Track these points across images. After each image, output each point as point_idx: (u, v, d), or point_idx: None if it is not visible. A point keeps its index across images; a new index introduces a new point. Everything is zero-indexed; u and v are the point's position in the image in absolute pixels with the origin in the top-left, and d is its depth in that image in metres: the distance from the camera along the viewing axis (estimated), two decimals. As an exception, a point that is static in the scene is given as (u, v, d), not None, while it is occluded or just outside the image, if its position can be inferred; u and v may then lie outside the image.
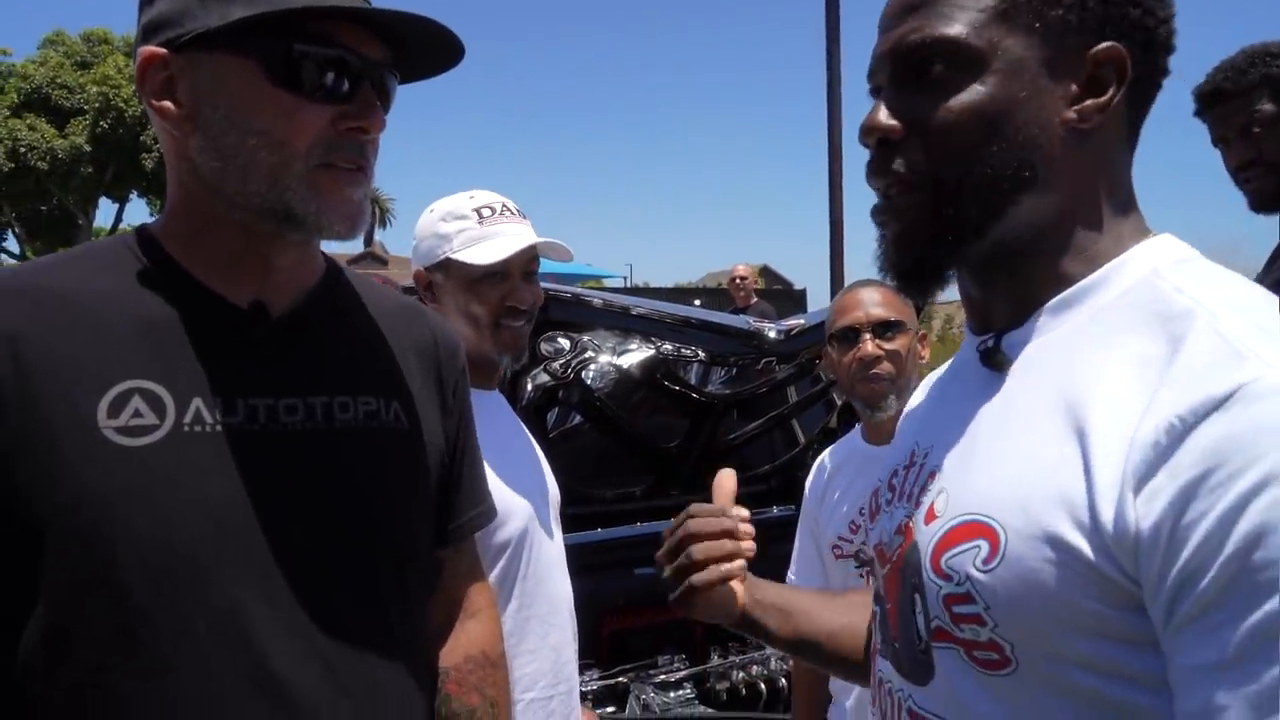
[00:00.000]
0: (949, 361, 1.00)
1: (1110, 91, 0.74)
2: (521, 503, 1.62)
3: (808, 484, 2.08)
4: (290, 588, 0.88)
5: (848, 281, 2.35)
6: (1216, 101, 2.06)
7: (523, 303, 1.63)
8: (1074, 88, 0.75)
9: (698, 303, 8.52)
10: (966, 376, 0.84)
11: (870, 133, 0.77)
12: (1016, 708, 0.69)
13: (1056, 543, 0.66)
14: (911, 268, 0.79)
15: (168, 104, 0.89)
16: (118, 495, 0.83)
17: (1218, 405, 0.60)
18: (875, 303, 1.90)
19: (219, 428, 0.87)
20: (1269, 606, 0.58)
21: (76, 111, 21.94)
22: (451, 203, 1.65)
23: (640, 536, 2.98)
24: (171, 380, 0.87)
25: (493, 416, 1.68)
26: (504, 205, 1.65)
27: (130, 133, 21.58)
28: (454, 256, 1.59)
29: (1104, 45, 0.74)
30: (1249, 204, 2.09)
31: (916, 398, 1.04)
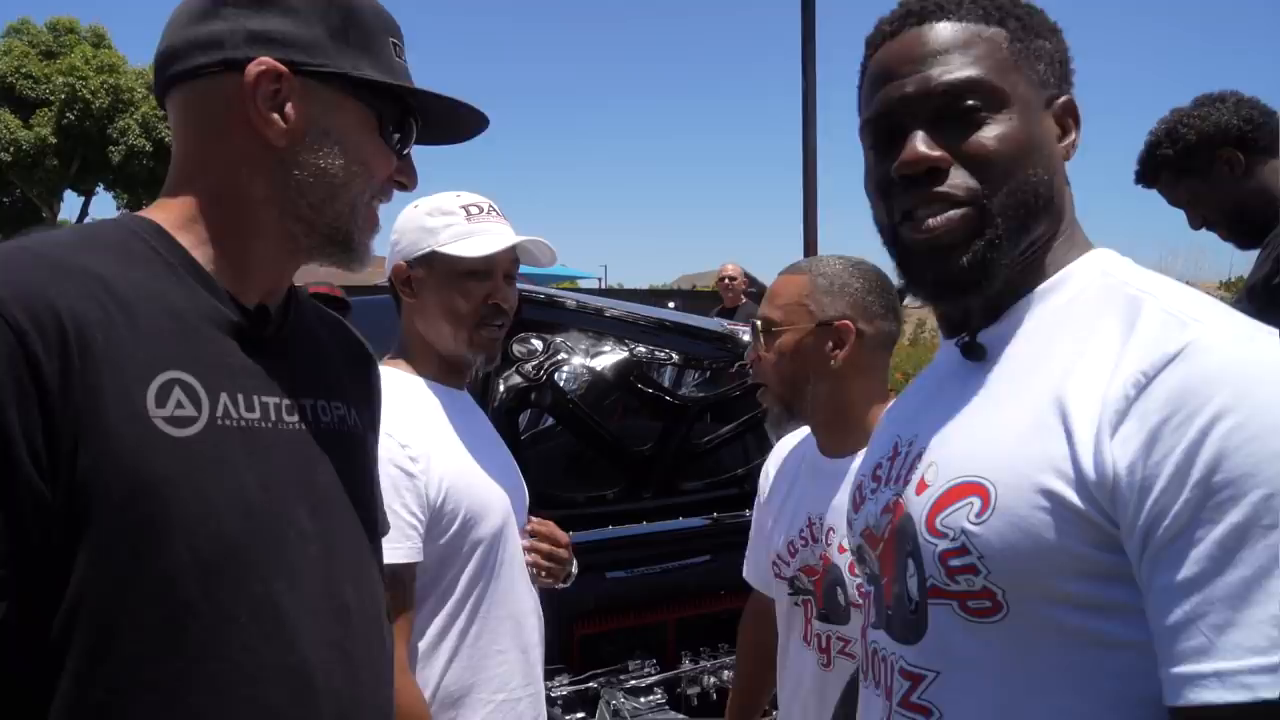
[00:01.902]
0: (925, 369, 1.08)
1: (1074, 134, 0.91)
2: (498, 501, 1.62)
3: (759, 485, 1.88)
4: (308, 578, 0.92)
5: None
6: (1146, 185, 2.31)
7: (506, 301, 1.63)
8: (1057, 129, 0.90)
9: (672, 305, 8.49)
10: (944, 374, 0.95)
11: (919, 163, 0.86)
12: (1004, 650, 0.79)
13: (1043, 491, 0.76)
14: (956, 275, 0.87)
15: (274, 115, 0.93)
16: (169, 485, 0.82)
17: (1171, 359, 0.73)
18: (767, 299, 1.67)
19: (243, 422, 0.90)
20: (1231, 519, 0.68)
21: (42, 102, 21.54)
22: (437, 199, 1.64)
23: (612, 540, 2.96)
24: (202, 373, 0.88)
25: (467, 414, 1.68)
26: (490, 205, 1.66)
27: (97, 125, 21.22)
28: (440, 250, 1.58)
29: (1067, 97, 0.91)
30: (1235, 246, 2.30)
31: (889, 409, 1.11)
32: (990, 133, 0.85)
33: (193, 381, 0.86)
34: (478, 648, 1.56)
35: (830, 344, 1.59)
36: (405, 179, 1.04)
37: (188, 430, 0.84)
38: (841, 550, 1.54)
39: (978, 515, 0.79)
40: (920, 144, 0.86)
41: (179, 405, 0.84)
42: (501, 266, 1.62)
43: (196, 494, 0.84)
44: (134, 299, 0.86)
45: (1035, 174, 0.86)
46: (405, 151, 1.03)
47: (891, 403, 1.12)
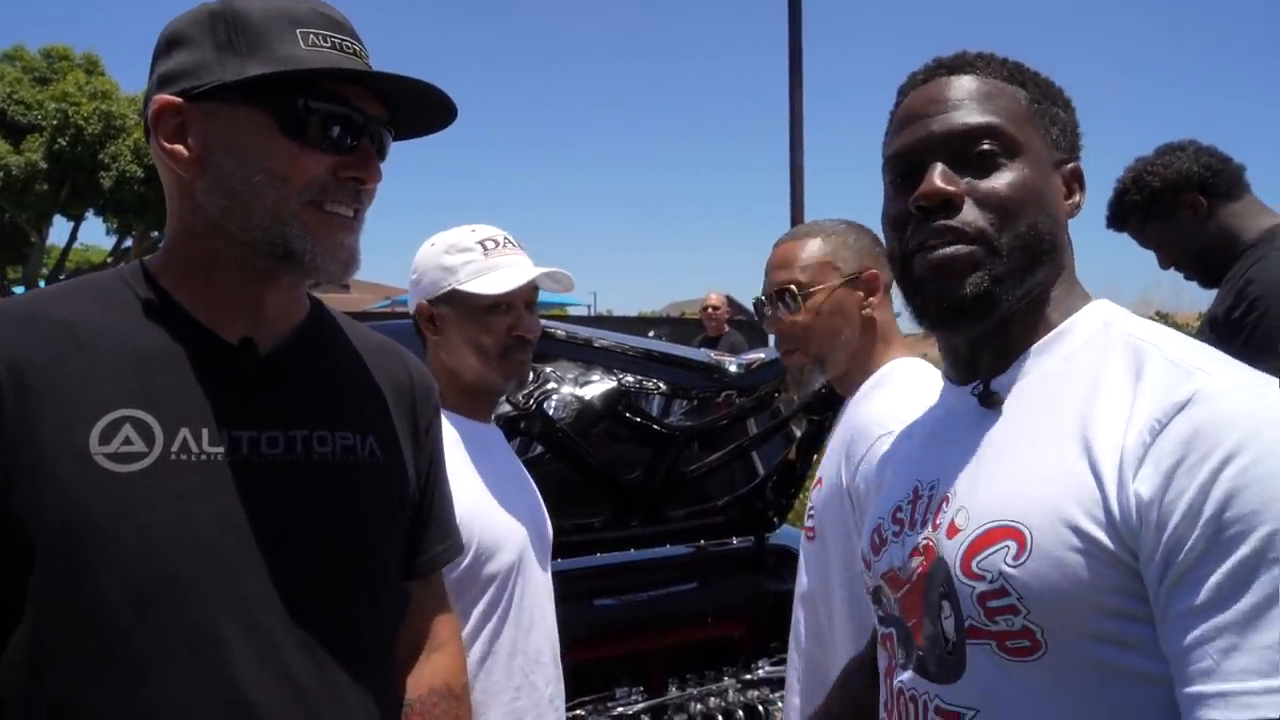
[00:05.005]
0: (919, 415, 1.12)
1: (1078, 196, 0.99)
2: (514, 535, 1.62)
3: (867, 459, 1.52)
4: (265, 613, 0.91)
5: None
6: (1117, 229, 2.42)
7: (529, 332, 1.67)
8: (1063, 188, 0.98)
9: (652, 334, 8.51)
10: (957, 420, 0.99)
11: (935, 196, 0.92)
12: (1043, 687, 0.83)
13: (1078, 533, 0.81)
14: (960, 304, 0.93)
15: (179, 148, 0.94)
16: (105, 518, 0.86)
17: (1182, 407, 0.79)
18: (773, 267, 1.71)
19: (204, 456, 0.91)
20: (1240, 552, 0.74)
21: (33, 128, 21.51)
22: (454, 236, 1.67)
23: (599, 568, 2.98)
24: (161, 410, 0.90)
25: (489, 448, 1.70)
26: (505, 238, 1.69)
27: (88, 150, 21.17)
28: (461, 288, 1.62)
29: (1076, 162, 0.99)
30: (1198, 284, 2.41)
31: (896, 445, 1.15)
32: (1003, 178, 0.93)
33: (146, 418, 0.89)
34: (490, 683, 1.56)
35: (862, 294, 1.66)
36: (357, 173, 0.96)
37: (133, 466, 0.87)
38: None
39: (1015, 558, 0.83)
40: (938, 177, 0.92)
41: (126, 442, 0.87)
42: (522, 298, 1.66)
43: (133, 526, 0.86)
44: (98, 343, 0.90)
45: (1041, 221, 0.93)
46: (348, 143, 0.95)
47: (888, 444, 1.17)
